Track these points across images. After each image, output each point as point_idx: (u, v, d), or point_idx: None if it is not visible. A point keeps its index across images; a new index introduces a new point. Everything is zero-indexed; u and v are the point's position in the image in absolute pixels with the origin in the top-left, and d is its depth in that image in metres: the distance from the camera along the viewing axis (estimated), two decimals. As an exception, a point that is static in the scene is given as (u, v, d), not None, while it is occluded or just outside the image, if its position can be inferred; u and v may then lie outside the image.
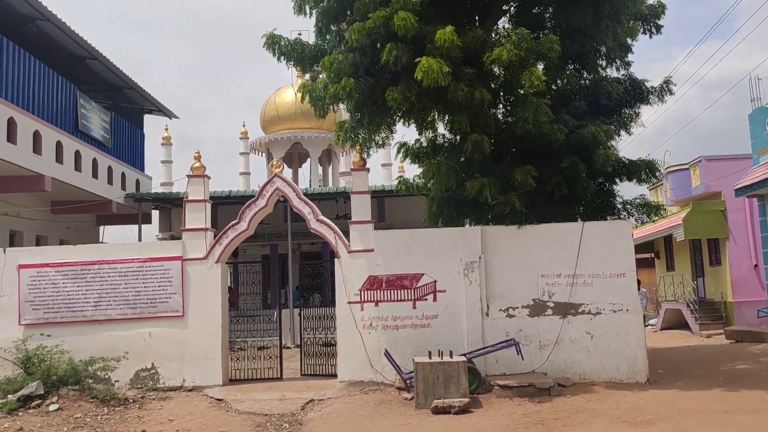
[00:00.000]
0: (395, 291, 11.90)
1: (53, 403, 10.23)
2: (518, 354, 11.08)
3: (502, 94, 12.82)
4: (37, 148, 16.75)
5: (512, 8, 13.32)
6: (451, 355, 10.52)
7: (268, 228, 19.94)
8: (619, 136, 13.58)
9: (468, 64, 11.13)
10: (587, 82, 13.52)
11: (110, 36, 73.01)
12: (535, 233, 11.90)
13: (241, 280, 15.79)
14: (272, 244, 23.04)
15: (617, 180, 13.45)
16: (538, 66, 11.55)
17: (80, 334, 11.90)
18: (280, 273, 21.73)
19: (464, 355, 10.86)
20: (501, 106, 13.03)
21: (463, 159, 12.21)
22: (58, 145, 17.89)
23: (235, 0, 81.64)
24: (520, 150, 12.63)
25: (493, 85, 12.42)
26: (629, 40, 13.13)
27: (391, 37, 10.71)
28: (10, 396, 10.24)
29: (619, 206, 13.33)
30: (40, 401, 10.25)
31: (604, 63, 13.37)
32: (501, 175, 11.69)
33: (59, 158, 17.90)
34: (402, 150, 13.38)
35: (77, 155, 19.01)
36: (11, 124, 15.65)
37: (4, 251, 12.47)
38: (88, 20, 67.77)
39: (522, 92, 11.71)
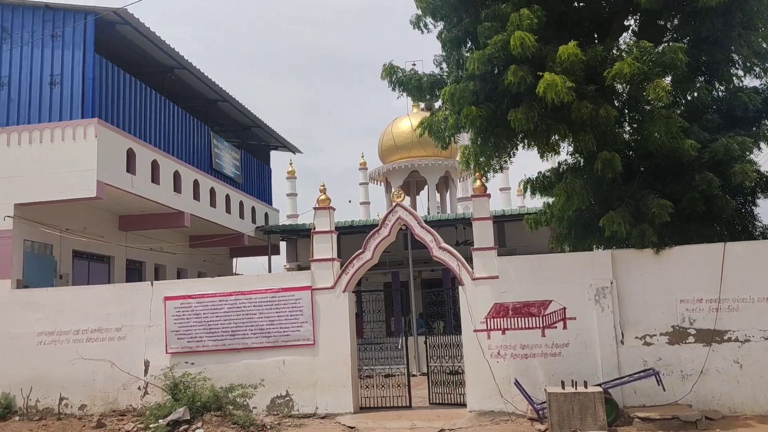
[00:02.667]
0: (522, 318, 11.66)
1: (198, 428, 10.87)
2: (659, 384, 10.46)
3: (626, 111, 12.37)
4: (177, 187, 18.07)
5: (634, 23, 12.88)
6: (585, 386, 10.12)
7: (389, 256, 20.25)
8: (758, 149, 12.65)
9: (589, 82, 10.86)
10: (720, 93, 12.76)
11: (237, 78, 77.78)
12: (670, 256, 11.28)
13: (365, 308, 16.06)
14: (393, 272, 23.36)
15: (759, 197, 12.52)
16: (665, 79, 11.05)
17: (220, 362, 12.55)
18: (403, 301, 21.94)
19: (599, 385, 10.41)
20: (626, 123, 12.56)
21: (587, 179, 11.87)
22: (195, 184, 19.21)
23: (347, 34, 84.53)
24: (648, 169, 12.09)
25: (616, 103, 12.03)
26: (765, 46, 12.28)
27: (510, 60, 10.66)
28: (160, 420, 10.99)
29: (761, 229, 12.38)
30: (186, 426, 10.93)
31: (740, 72, 12.56)
32: (631, 199, 11.21)
33: (196, 196, 19.20)
34: (528, 185, 13.20)
35: (212, 192, 20.31)
36: (155, 166, 17.01)
37: (152, 284, 13.46)
38: (218, 65, 72.65)
39: (648, 108, 11.25)
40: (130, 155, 16.03)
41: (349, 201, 32.66)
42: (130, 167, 15.97)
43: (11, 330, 13.40)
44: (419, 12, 12.44)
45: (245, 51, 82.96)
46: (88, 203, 15.26)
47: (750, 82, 12.82)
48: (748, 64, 12.47)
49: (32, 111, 15.43)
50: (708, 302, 11.02)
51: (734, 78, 12.59)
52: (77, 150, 14.60)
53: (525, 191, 13.37)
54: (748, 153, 11.84)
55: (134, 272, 19.30)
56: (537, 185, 13.18)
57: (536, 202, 14.10)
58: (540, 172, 13.15)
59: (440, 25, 12.57)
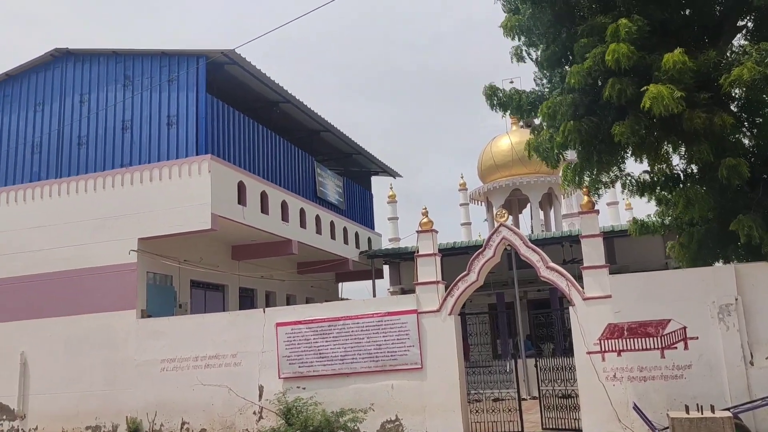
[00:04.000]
0: (639, 339, 11.12)
1: (319, 452, 11.07)
2: (797, 409, 9.64)
3: (745, 117, 11.61)
4: (284, 216, 18.73)
5: (748, 23, 12.13)
6: (712, 410, 9.46)
7: (493, 277, 19.92)
8: None
9: (701, 89, 10.30)
10: None
11: (337, 106, 80.00)
12: (803, 268, 10.44)
13: (471, 330, 15.87)
14: (498, 293, 22.96)
15: None
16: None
17: (330, 387, 12.77)
18: (509, 322, 21.51)
19: (728, 409, 9.71)
20: (745, 130, 11.78)
21: (707, 188, 11.20)
22: (302, 212, 19.84)
23: (442, 57, 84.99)
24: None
25: (733, 108, 11.33)
26: None
27: (611, 72, 10.32)
28: (276, 444, 11.30)
29: None
30: (300, 449, 11.16)
31: None
32: (760, 207, 10.47)
33: (303, 223, 19.81)
34: (627, 183, 12.54)
35: (317, 219, 20.89)
36: (263, 197, 17.73)
37: (264, 311, 13.96)
38: (320, 95, 75.07)
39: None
40: (241, 188, 16.79)
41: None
42: (241, 199, 16.72)
43: (137, 357, 14.30)
44: (514, 42, 12.27)
45: (344, 79, 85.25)
46: (203, 235, 16.09)
47: None
48: None
49: (152, 150, 16.53)
50: None
51: None
52: (193, 185, 15.46)
53: (624, 189, 12.64)
54: None
55: (247, 299, 20.10)
56: (636, 185, 12.51)
57: (648, 212, 13.48)
58: (645, 171, 12.50)
59: (537, 51, 12.36)
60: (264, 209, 17.72)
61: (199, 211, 15.26)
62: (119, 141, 16.81)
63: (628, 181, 12.64)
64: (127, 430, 13.82)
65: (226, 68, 17.19)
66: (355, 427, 11.93)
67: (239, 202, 16.61)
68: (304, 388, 12.79)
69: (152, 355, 14.13)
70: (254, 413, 13.07)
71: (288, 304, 21.58)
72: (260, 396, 13.12)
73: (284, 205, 18.81)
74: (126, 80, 17.20)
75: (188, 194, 15.44)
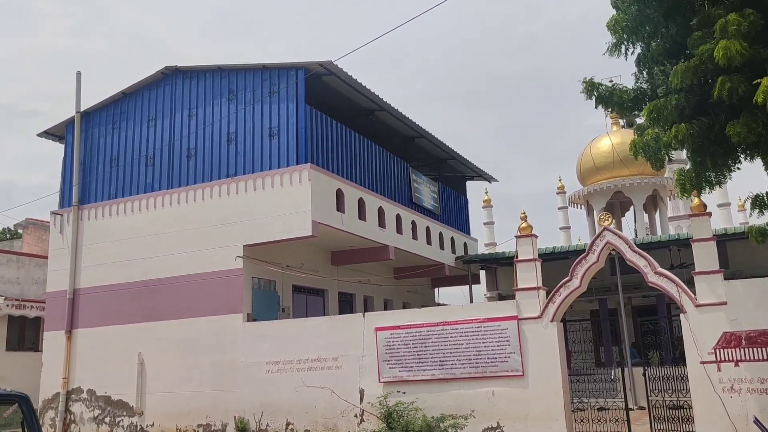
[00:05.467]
0: (759, 349, 10.42)
1: (413, 455, 11.13)
2: None
3: None
4: (381, 222, 18.97)
5: None
6: (844, 427, 8.77)
7: (595, 282, 19.30)
8: None
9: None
10: None
11: (433, 112, 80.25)
12: None
13: (572, 337, 15.45)
14: (600, 299, 22.20)
15: None
16: None
17: (429, 392, 12.79)
18: (612, 329, 20.75)
19: None
20: None
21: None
22: (398, 218, 20.02)
23: (536, 59, 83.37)
24: None
25: None
26: None
27: (720, 69, 9.77)
28: (377, 448, 11.44)
29: None
30: (402, 453, 11.25)
31: None
32: None
33: (399, 229, 19.98)
34: (756, 203, 11.83)
35: (413, 225, 21.01)
36: (361, 203, 18.04)
37: (363, 316, 14.18)
38: (415, 102, 75.57)
39: None
40: (339, 195, 17.16)
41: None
42: (340, 206, 17.08)
43: (244, 359, 14.89)
44: (614, 39, 11.86)
45: (439, 86, 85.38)
46: (304, 241, 16.55)
47: None
48: None
49: (255, 161, 17.18)
50: None
51: None
52: (294, 193, 15.96)
53: (751, 208, 11.99)
54: None
55: (346, 304, 20.48)
56: (765, 203, 11.77)
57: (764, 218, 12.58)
58: None
59: (638, 47, 11.88)
60: (361, 215, 18.02)
61: (300, 219, 15.72)
62: (225, 152, 17.60)
63: (757, 202, 11.88)
64: (236, 429, 14.40)
65: (323, 79, 17.64)
66: (457, 433, 11.89)
67: (338, 209, 16.97)
68: (404, 393, 12.88)
69: (258, 357, 14.68)
70: (355, 416, 13.30)
71: (385, 308, 21.81)
72: (361, 399, 13.33)
73: (381, 212, 19.05)
74: (230, 94, 17.99)
75: (290, 202, 15.93)
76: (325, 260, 19.28)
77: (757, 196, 11.86)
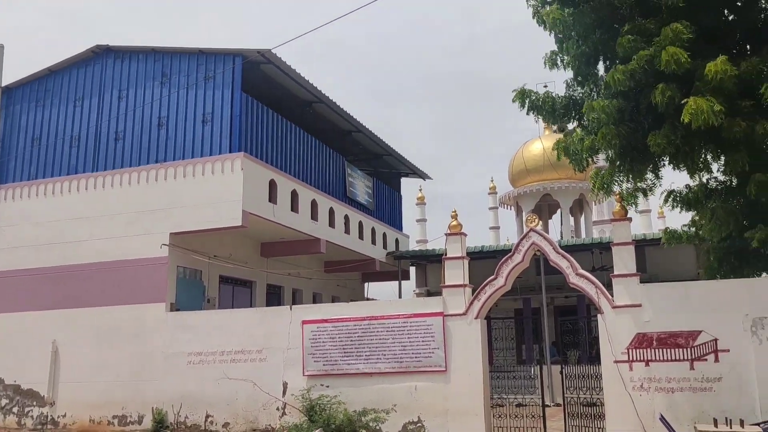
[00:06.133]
0: (668, 350, 10.95)
1: (333, 449, 11.13)
2: (831, 427, 9.40)
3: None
4: (314, 215, 18.86)
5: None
6: (741, 425, 9.28)
7: (520, 282, 19.78)
8: None
9: (743, 96, 10.07)
10: None
11: (371, 108, 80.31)
12: (841, 284, 10.17)
13: (496, 335, 15.79)
14: (525, 298, 22.76)
15: None
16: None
17: (353, 386, 12.81)
18: (535, 328, 21.32)
19: (758, 424, 9.51)
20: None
21: (740, 202, 10.98)
22: (331, 211, 19.96)
23: (476, 60, 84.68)
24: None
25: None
26: None
27: (656, 77, 10.13)
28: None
29: None
30: (322, 447, 11.23)
31: None
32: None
33: (332, 223, 19.92)
34: (670, 198, 12.41)
35: (346, 219, 20.99)
36: (294, 195, 17.89)
37: (291, 308, 14.08)
38: (354, 97, 75.40)
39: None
40: (272, 186, 16.95)
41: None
42: (272, 197, 16.87)
43: (165, 350, 14.54)
44: (555, 47, 12.14)
45: (379, 82, 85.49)
46: (233, 231, 16.28)
47: None
48: None
49: (186, 147, 16.77)
50: None
51: None
52: (225, 182, 15.66)
53: (665, 202, 12.53)
54: None
55: (274, 296, 20.28)
56: (681, 199, 12.36)
57: (680, 222, 13.32)
58: (687, 186, 12.33)
59: (570, 53, 12.20)
60: (294, 207, 17.87)
61: (230, 208, 15.44)
62: (155, 137, 17.10)
63: (673, 196, 12.44)
64: (153, 421, 14.05)
65: (261, 68, 17.37)
66: (377, 427, 11.98)
67: (270, 200, 16.77)
68: (327, 386, 12.86)
69: (180, 348, 14.35)
70: (278, 409, 13.19)
71: (314, 302, 21.73)
72: (284, 392, 13.23)
73: (314, 204, 18.94)
74: (163, 77, 17.49)
75: (220, 191, 15.63)
76: (255, 251, 19.03)
77: (671, 191, 12.42)
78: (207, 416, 13.73)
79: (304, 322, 13.50)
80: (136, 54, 17.86)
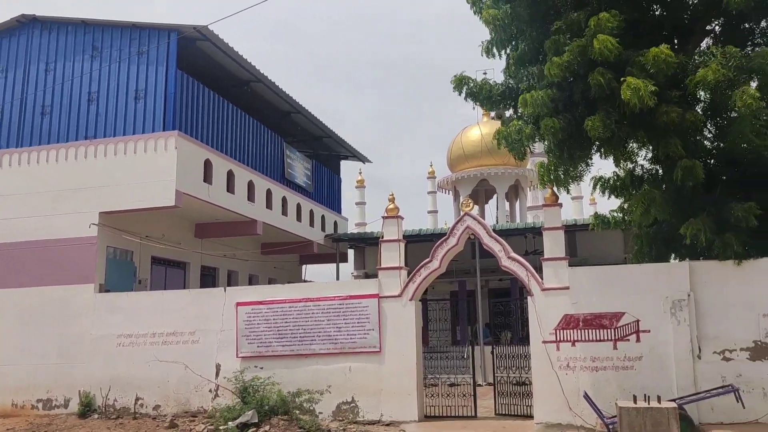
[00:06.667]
0: (593, 330, 11.37)
1: (266, 431, 11.10)
2: (738, 401, 9.94)
3: (708, 118, 11.88)
4: (250, 196, 18.62)
5: (717, 27, 12.37)
6: (658, 401, 9.72)
7: (456, 265, 20.12)
8: None
9: (671, 88, 10.50)
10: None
11: (311, 90, 79.47)
12: (754, 268, 10.77)
13: (431, 316, 16.04)
14: (460, 281, 23.17)
15: None
16: (752, 83, 10.54)
17: (288, 367, 12.79)
18: (469, 310, 21.76)
19: (674, 400, 9.99)
20: (707, 131, 12.06)
21: (665, 189, 11.46)
22: (268, 193, 19.74)
23: (419, 47, 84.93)
24: (732, 177, 11.58)
25: (698, 110, 11.59)
26: None
27: (590, 66, 10.41)
28: (230, 423, 11.31)
29: None
30: (254, 429, 11.21)
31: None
32: (714, 208, 10.73)
33: (269, 204, 19.72)
34: (599, 184, 12.85)
35: (284, 201, 20.81)
36: (230, 176, 17.59)
37: (225, 290, 13.90)
38: (292, 78, 74.39)
39: (734, 114, 10.76)
40: (207, 166, 16.62)
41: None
42: (207, 177, 16.55)
43: (94, 332, 14.14)
44: (489, 36, 12.32)
45: (323, 65, 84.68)
46: (166, 212, 15.90)
47: None
48: None
49: (117, 124, 16.23)
50: (794, 317, 10.44)
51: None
52: (158, 161, 15.25)
53: (595, 189, 12.98)
54: None
55: (208, 278, 19.97)
56: (609, 186, 12.81)
57: (610, 207, 13.84)
58: (614, 172, 12.80)
59: (508, 48, 12.43)
60: (230, 188, 17.59)
61: (163, 188, 15.08)
62: (84, 112, 16.49)
63: (601, 183, 12.88)
64: (80, 405, 13.66)
65: (198, 44, 16.95)
66: (311, 408, 12.01)
67: (205, 180, 16.46)
68: (261, 368, 12.80)
69: (108, 330, 13.98)
70: (210, 391, 13.05)
71: (250, 284, 21.52)
72: (217, 374, 13.09)
73: (251, 185, 18.69)
74: (94, 51, 16.85)
75: (153, 170, 15.23)
76: (189, 232, 18.67)
77: (600, 177, 12.88)
78: (137, 399, 13.45)
79: (238, 304, 13.36)
80: (64, 25, 17.12)
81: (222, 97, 18.25)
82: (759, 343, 10.53)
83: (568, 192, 12.97)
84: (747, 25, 11.89)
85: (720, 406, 10.30)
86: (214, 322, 13.39)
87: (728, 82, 9.86)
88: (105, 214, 15.22)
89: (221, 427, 11.29)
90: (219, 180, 17.06)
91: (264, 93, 20.39)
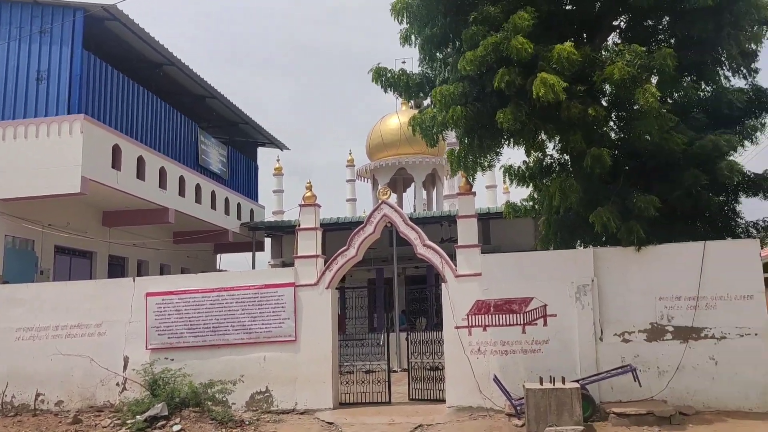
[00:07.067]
0: (504, 315, 11.71)
1: (176, 423, 10.84)
2: (635, 380, 10.53)
3: (613, 111, 12.44)
4: (162, 183, 18.04)
5: (622, 23, 12.94)
6: (563, 381, 10.16)
7: (374, 252, 20.28)
8: (743, 147, 12.76)
9: (578, 82, 10.91)
10: (706, 93, 12.85)
11: (228, 75, 77.57)
12: (652, 254, 11.36)
13: (348, 304, 16.11)
14: (378, 269, 23.38)
15: (742, 195, 12.65)
16: (652, 80, 11.11)
17: (200, 359, 12.51)
18: (386, 297, 22.00)
19: (577, 381, 10.46)
20: (612, 123, 12.62)
21: (574, 178, 11.95)
22: (181, 180, 19.18)
23: (341, 34, 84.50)
24: (634, 168, 12.18)
25: (604, 103, 12.11)
26: (753, 47, 12.35)
27: (502, 62, 10.68)
28: (138, 416, 10.96)
29: (743, 227, 12.51)
30: (164, 422, 10.90)
31: (726, 72, 12.62)
32: (618, 198, 11.26)
33: (182, 192, 19.17)
34: (508, 172, 13.25)
35: (198, 188, 20.28)
36: (140, 162, 16.97)
37: (134, 280, 13.42)
38: (208, 61, 72.37)
39: (637, 108, 11.32)
40: (116, 151, 15.98)
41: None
42: (116, 163, 15.92)
43: (-9, 326, 13.31)
44: (404, 25, 12.41)
45: (241, 50, 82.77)
46: (71, 199, 15.20)
47: (737, 82, 12.90)
48: (734, 65, 12.54)
49: (18, 106, 15.35)
50: (686, 300, 11.10)
51: (721, 78, 12.68)
52: (62, 146, 14.54)
53: (505, 177, 13.39)
54: (732, 152, 11.96)
55: (117, 268, 19.25)
56: (517, 174, 13.24)
57: (522, 197, 14.29)
58: (525, 161, 13.21)
59: (423, 35, 12.58)
60: (140, 175, 16.98)
61: (68, 174, 14.41)
62: (-21, 93, 15.49)
63: (510, 171, 13.27)
64: (-25, 402, 12.87)
65: (106, 24, 16.21)
66: (224, 399, 11.79)
67: (113, 166, 15.82)
68: (172, 360, 12.45)
69: (7, 323, 13.18)
70: (117, 384, 12.58)
71: (162, 274, 20.91)
72: (125, 367, 12.64)
73: (162, 172, 18.11)
74: (-9, 28, 15.82)
75: (57, 155, 14.52)
76: (96, 220, 17.91)
77: (510, 166, 13.28)
78: (37, 395, 12.78)
79: (148, 294, 12.93)
80: (-44, -2, 15.98)
81: (132, 80, 17.55)
82: (655, 325, 11.13)
83: (473, 179, 13.26)
84: (650, 22, 12.51)
85: (619, 385, 10.85)
86: (123, 313, 12.90)
87: (632, 79, 10.36)
88: (4, 201, 14.41)
89: (128, 421, 10.93)
90: (129, 166, 16.44)
91: (177, 77, 19.76)
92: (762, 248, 12.21)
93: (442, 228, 21.24)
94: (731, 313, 10.90)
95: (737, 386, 10.67)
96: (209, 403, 11.47)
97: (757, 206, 12.83)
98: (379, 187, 26.69)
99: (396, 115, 27.39)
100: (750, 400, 10.60)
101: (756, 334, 10.78)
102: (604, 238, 12.14)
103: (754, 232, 12.53)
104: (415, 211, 27.21)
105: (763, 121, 13.01)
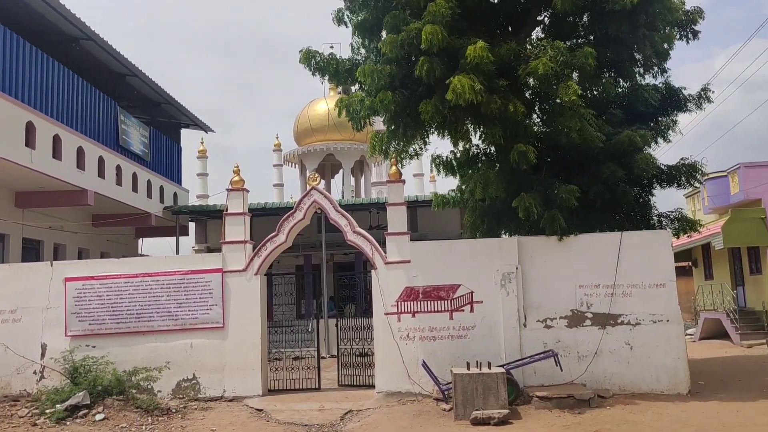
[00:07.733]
0: (432, 302, 11.94)
1: (99, 412, 10.51)
2: (557, 365, 11.03)
3: (537, 104, 12.83)
4: (80, 164, 17.26)
5: (546, 18, 13.34)
6: (489, 366, 10.52)
7: (303, 239, 20.18)
8: (656, 143, 13.48)
9: (502, 76, 11.16)
10: (623, 90, 13.46)
11: (148, 52, 74.66)
12: (573, 243, 11.86)
13: (276, 290, 15.97)
14: (306, 255, 23.30)
15: (656, 187, 13.37)
16: (573, 75, 11.53)
17: (124, 345, 12.16)
18: (315, 284, 21.96)
19: (502, 366, 10.85)
20: (536, 116, 13.03)
21: (499, 168, 12.26)
22: (100, 161, 18.42)
23: (267, 15, 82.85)
24: (555, 159, 12.63)
25: (528, 95, 12.46)
26: (666, 47, 13.03)
27: (424, 50, 10.80)
28: (58, 405, 10.55)
29: (655, 219, 13.25)
30: (86, 411, 10.54)
31: (641, 70, 13.28)
32: (541, 187, 11.67)
33: (101, 173, 18.42)
34: (436, 162, 13.48)
35: (118, 170, 19.53)
36: (56, 140, 16.17)
37: (51, 264, 12.84)
38: (127, 37, 69.40)
39: (558, 102, 11.72)
40: (30, 129, 15.16)
41: None
42: (30, 141, 15.12)
43: None
44: (342, 4, 12.35)
45: (163, 27, 79.74)
46: (-20, 178, 14.32)
47: (650, 80, 13.60)
48: (648, 63, 13.20)
49: None
50: (605, 287, 11.67)
51: (637, 76, 13.32)
52: (-31, 121, 13.64)
53: (432, 166, 13.63)
54: (647, 147, 12.61)
55: (31, 251, 18.31)
56: (445, 164, 13.49)
57: (449, 185, 14.62)
58: (452, 151, 13.46)
59: (357, 17, 12.55)
60: (56, 154, 16.20)
61: (-24, 151, 13.53)
62: None
63: (437, 161, 13.48)
64: None
65: (17, -7, 15.28)
66: (149, 386, 11.50)
67: (27, 145, 15.02)
68: (94, 347, 12.04)
69: None
70: (35, 373, 12.04)
71: (80, 258, 20.04)
72: (43, 355, 12.11)
73: (80, 152, 17.33)
74: None
75: (-37, 131, 13.61)
76: (8, 201, 16.96)
77: (438, 156, 13.53)
78: (-55, 386, 12.09)
79: (67, 280, 12.42)
80: None
81: (47, 54, 16.64)
82: (575, 311, 11.66)
83: (402, 165, 13.40)
84: (572, 19, 12.95)
85: (541, 369, 11.32)
86: (39, 299, 12.34)
87: (555, 74, 10.72)
88: None
89: (48, 411, 10.50)
90: (44, 145, 15.64)
91: (96, 52, 18.90)
92: (674, 238, 12.96)
93: (370, 215, 21.38)
94: (645, 301, 11.56)
95: (650, 370, 11.35)
96: (134, 391, 11.17)
97: (667, 199, 13.64)
98: (308, 172, 26.57)
99: (324, 100, 27.24)
100: (661, 383, 11.30)
101: (668, 321, 11.49)
102: (528, 227, 12.57)
103: (666, 222, 13.29)
104: (343, 197, 27.22)
105: (674, 119, 13.80)
